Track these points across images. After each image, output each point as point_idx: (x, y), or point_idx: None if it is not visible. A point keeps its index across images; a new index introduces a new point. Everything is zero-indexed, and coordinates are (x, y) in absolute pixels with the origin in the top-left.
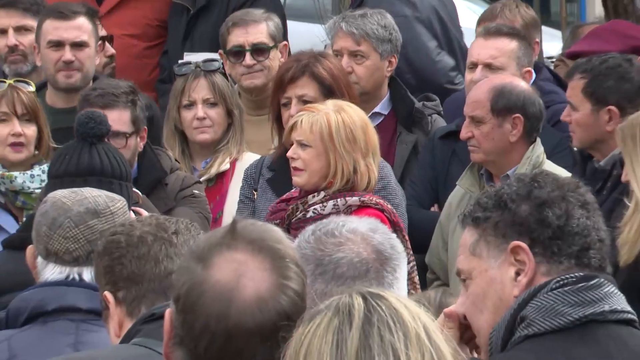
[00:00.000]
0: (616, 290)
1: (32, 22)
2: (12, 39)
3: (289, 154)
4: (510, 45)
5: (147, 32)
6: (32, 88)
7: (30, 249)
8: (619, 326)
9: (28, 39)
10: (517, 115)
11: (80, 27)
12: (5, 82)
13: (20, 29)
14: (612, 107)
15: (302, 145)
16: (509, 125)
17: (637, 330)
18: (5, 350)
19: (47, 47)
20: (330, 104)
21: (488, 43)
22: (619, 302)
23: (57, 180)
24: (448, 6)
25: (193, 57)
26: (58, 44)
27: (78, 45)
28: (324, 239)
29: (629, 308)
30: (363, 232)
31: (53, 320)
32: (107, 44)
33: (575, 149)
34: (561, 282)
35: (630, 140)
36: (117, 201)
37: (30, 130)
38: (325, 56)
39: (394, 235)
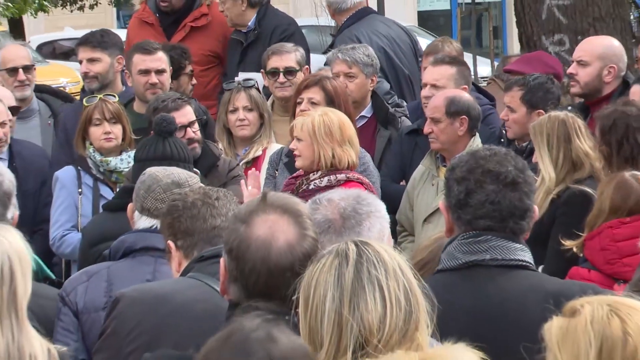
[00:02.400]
0: (506, 244)
1: (99, 54)
2: (83, 67)
3: (290, 146)
4: (449, 70)
5: (202, 60)
6: (116, 99)
7: (130, 206)
8: (502, 269)
9: (97, 66)
10: (464, 116)
11: (160, 59)
12: (97, 96)
13: (91, 60)
14: (541, 111)
15: (298, 139)
16: (457, 124)
17: (527, 272)
18: (105, 275)
19: (137, 74)
20: (320, 110)
21: (434, 69)
22: (503, 252)
23: (140, 163)
24: (401, 45)
25: (246, 75)
26: (146, 72)
27: (159, 72)
28: (311, 206)
29: (514, 256)
30: (334, 200)
31: (140, 255)
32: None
33: (502, 139)
34: (460, 237)
35: (539, 135)
36: (193, 177)
37: (116, 129)
38: (333, 77)
39: (368, 200)
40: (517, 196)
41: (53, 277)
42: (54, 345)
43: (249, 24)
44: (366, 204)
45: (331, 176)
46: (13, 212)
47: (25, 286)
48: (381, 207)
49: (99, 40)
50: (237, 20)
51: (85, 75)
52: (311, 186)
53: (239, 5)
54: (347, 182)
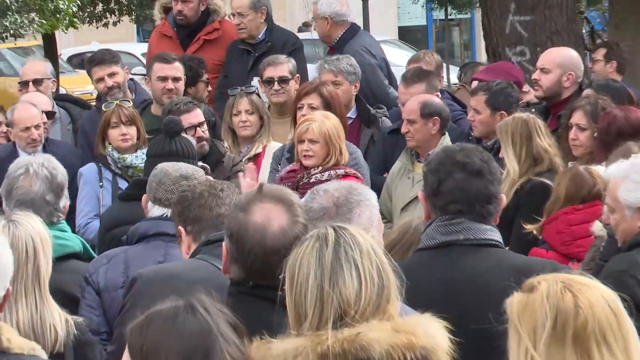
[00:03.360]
0: (477, 225)
1: (116, 69)
2: (109, 82)
3: (304, 147)
4: (420, 88)
5: (213, 68)
6: (130, 104)
7: (144, 197)
8: (474, 247)
9: (117, 77)
10: (436, 117)
11: (177, 68)
12: (113, 102)
13: (111, 74)
14: (503, 112)
15: (312, 141)
16: (430, 124)
17: (496, 249)
18: (122, 257)
19: (156, 80)
20: (319, 114)
21: (407, 91)
22: (475, 233)
23: (151, 159)
24: (384, 55)
25: (256, 80)
26: (164, 79)
27: (175, 79)
28: (310, 196)
29: (484, 236)
30: (329, 190)
31: (153, 240)
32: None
33: (470, 137)
34: (438, 221)
35: (505, 134)
36: (199, 171)
37: (132, 130)
38: (328, 84)
39: (358, 190)
40: (483, 183)
41: (95, 256)
42: (72, 317)
43: (259, 36)
44: (357, 194)
45: (331, 171)
46: (64, 202)
47: (47, 264)
48: (371, 196)
49: (109, 57)
50: (254, 32)
51: (109, 89)
52: (312, 180)
53: (259, 19)
54: (345, 176)
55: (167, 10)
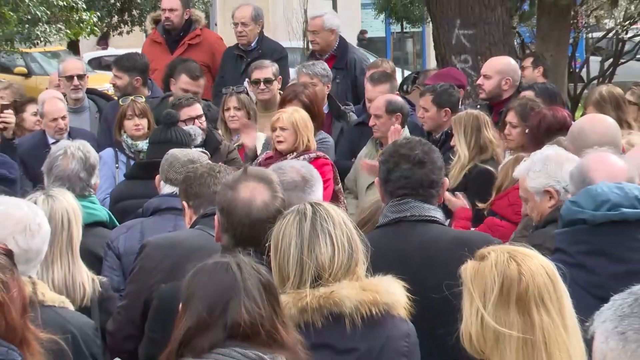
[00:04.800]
0: (421, 205)
1: (122, 73)
2: (111, 80)
3: (277, 134)
4: (385, 87)
5: None
6: (143, 99)
7: (157, 177)
8: (419, 223)
9: (120, 81)
10: (398, 113)
11: (199, 85)
12: (129, 98)
13: (116, 77)
14: (447, 109)
15: (283, 129)
16: (394, 119)
17: (437, 225)
18: (139, 227)
19: (179, 90)
20: (291, 108)
21: (375, 88)
22: (419, 211)
23: (151, 144)
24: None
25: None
26: (186, 91)
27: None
28: (277, 171)
29: (427, 213)
30: (295, 166)
31: (164, 213)
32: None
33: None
34: (390, 203)
35: (458, 125)
36: (204, 156)
37: (143, 121)
38: (308, 87)
39: (314, 170)
40: (425, 172)
41: (118, 225)
42: (97, 277)
43: (252, 44)
44: (315, 172)
45: (305, 155)
46: (95, 179)
47: (78, 232)
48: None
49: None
50: (252, 40)
51: (114, 86)
52: None
53: (256, 29)
54: (317, 159)
55: (157, 21)
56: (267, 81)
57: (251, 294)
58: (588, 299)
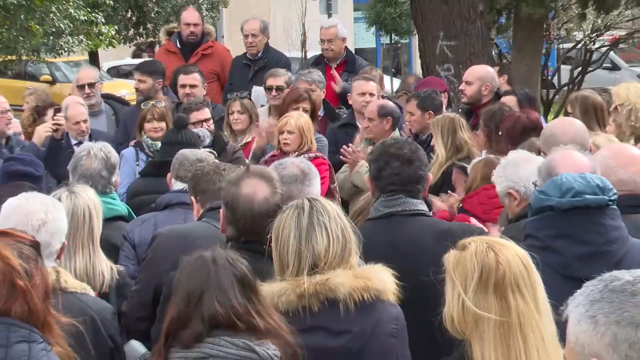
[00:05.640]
0: (410, 200)
1: (146, 77)
2: (135, 84)
3: (284, 137)
4: (374, 85)
5: (208, 76)
6: (162, 104)
7: (169, 175)
8: (410, 217)
9: (143, 85)
10: (389, 117)
11: (195, 78)
12: (149, 103)
13: (140, 81)
14: (431, 112)
15: (290, 132)
16: (385, 122)
17: (425, 217)
18: (152, 220)
19: (179, 87)
20: (296, 113)
21: (367, 84)
22: (409, 206)
23: (163, 145)
24: None
25: (259, 88)
26: (183, 86)
27: (192, 86)
28: (278, 167)
29: (416, 207)
30: (295, 162)
31: (175, 208)
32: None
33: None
34: (381, 198)
35: (437, 127)
36: (211, 156)
37: (161, 124)
38: (311, 92)
39: (312, 165)
40: (412, 169)
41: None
42: (115, 265)
43: (259, 54)
44: (312, 167)
45: (306, 155)
46: (116, 177)
47: (98, 225)
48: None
49: (147, 67)
50: (261, 49)
51: (137, 90)
52: None
53: (264, 40)
54: (315, 158)
55: (169, 33)
56: (279, 89)
57: (223, 287)
58: (557, 278)
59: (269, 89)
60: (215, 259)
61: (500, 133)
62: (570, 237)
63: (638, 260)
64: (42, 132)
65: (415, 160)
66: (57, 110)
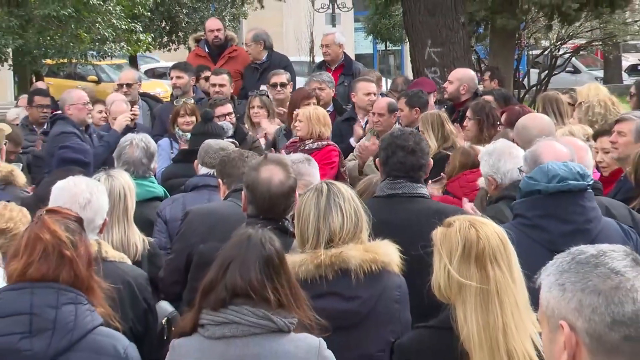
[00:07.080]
0: (411, 184)
1: (183, 74)
2: (173, 81)
3: (295, 124)
4: (374, 85)
5: (234, 75)
6: (192, 101)
7: (196, 161)
8: (409, 198)
9: (181, 80)
10: (395, 112)
11: (224, 78)
12: (181, 100)
13: (178, 77)
14: (417, 108)
15: (300, 121)
16: (393, 117)
17: (424, 199)
18: (181, 200)
19: (211, 86)
20: (312, 107)
21: (369, 84)
22: (410, 189)
23: (193, 136)
24: None
25: (264, 86)
26: (213, 85)
27: (221, 85)
28: (292, 156)
29: (416, 191)
30: (300, 154)
31: (201, 189)
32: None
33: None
34: (387, 180)
35: (426, 122)
36: (231, 145)
37: (192, 118)
38: (321, 90)
39: (309, 157)
40: (415, 158)
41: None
42: (147, 238)
43: (263, 58)
44: (312, 159)
45: (318, 142)
46: (154, 164)
47: (132, 203)
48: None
49: (184, 67)
50: (257, 56)
51: (174, 86)
52: (306, 147)
53: (259, 47)
54: (327, 146)
55: (197, 40)
56: (282, 85)
57: (247, 262)
58: (544, 253)
59: (273, 86)
60: (251, 237)
61: (499, 123)
62: (556, 216)
63: (609, 236)
64: (122, 120)
65: (417, 150)
66: (133, 104)
